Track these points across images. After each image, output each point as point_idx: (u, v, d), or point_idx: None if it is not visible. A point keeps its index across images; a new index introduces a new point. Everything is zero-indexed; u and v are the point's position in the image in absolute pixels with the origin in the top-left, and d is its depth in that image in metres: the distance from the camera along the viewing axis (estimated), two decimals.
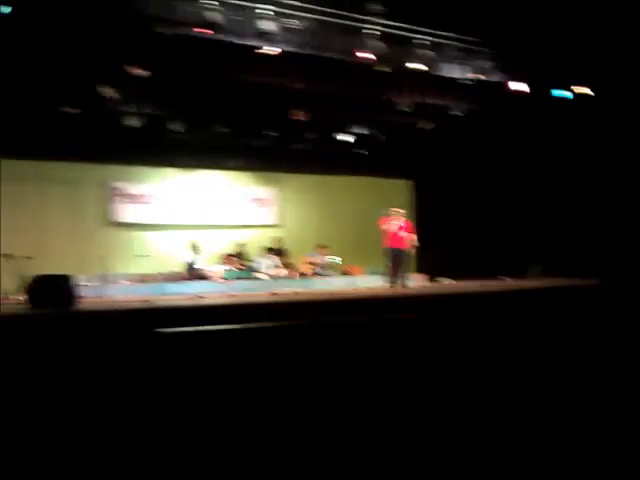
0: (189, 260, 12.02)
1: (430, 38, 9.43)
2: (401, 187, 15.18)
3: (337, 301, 8.05)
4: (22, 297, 7.63)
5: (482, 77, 10.00)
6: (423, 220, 14.18)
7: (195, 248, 12.12)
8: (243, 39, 8.93)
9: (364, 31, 9.18)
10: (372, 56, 9.14)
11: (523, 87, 10.26)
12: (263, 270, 12.30)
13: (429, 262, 13.98)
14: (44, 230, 11.37)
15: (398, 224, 11.15)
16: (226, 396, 3.73)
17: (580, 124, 11.66)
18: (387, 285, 11.00)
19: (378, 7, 9.11)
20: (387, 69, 9.56)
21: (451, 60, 9.80)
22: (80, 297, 7.42)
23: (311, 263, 13.04)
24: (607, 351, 4.77)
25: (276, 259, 12.76)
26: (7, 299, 8.80)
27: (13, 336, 4.47)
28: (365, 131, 12.95)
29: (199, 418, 3.09)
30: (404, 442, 3.23)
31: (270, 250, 12.97)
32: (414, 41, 9.50)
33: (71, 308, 6.78)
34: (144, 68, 9.29)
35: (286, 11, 8.89)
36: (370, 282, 11.81)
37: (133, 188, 12.71)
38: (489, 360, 4.40)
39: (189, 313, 6.49)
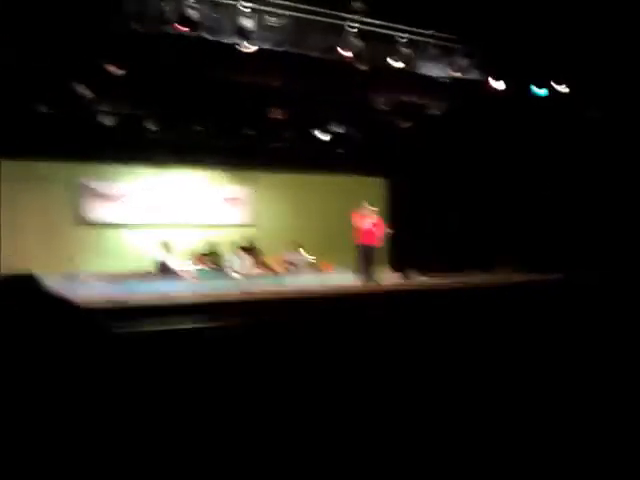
0: (160, 259, 11.96)
1: (409, 36, 9.40)
2: (375, 185, 15.24)
3: (307, 299, 8.06)
4: None
5: (460, 75, 10.01)
6: (397, 218, 14.27)
7: (167, 247, 12.06)
8: (221, 36, 8.85)
9: (343, 29, 9.14)
10: (350, 54, 9.11)
11: (500, 85, 10.29)
12: (235, 269, 12.27)
13: (402, 258, 14.06)
14: (13, 228, 11.25)
15: (370, 221, 11.21)
16: (190, 397, 3.70)
17: (555, 121, 11.82)
18: (358, 281, 11.05)
19: (357, 4, 9.09)
20: (365, 67, 9.54)
21: (429, 58, 9.78)
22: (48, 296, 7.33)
23: (284, 261, 13.05)
24: (571, 347, 4.83)
25: (249, 258, 12.74)
26: None
27: None
28: (342, 129, 12.94)
29: (156, 422, 3.08)
30: (371, 442, 3.24)
31: (243, 249, 12.95)
32: (393, 39, 9.47)
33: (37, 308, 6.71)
34: (119, 65, 9.20)
35: (265, 8, 8.83)
36: (342, 279, 11.83)
37: (106, 186, 12.63)
38: (454, 357, 4.45)
39: (154, 312, 6.46)
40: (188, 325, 6.30)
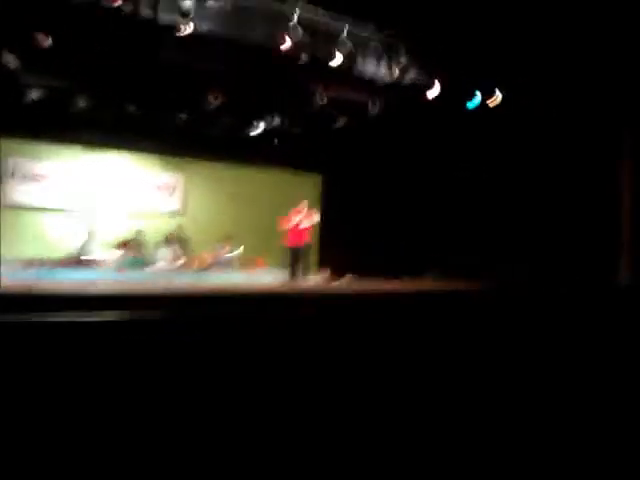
0: (81, 245, 11.41)
1: (350, 29, 9.25)
2: (311, 181, 15.03)
3: (229, 296, 7.74)
4: None
5: (399, 77, 9.92)
6: (330, 216, 14.12)
7: (89, 233, 11.53)
8: (159, 15, 8.46)
9: (285, 19, 8.89)
10: (291, 45, 8.87)
11: (438, 91, 10.28)
12: (160, 260, 11.82)
13: (333, 258, 13.91)
14: None
15: (301, 219, 10.98)
16: (94, 390, 3.41)
17: (489, 128, 11.88)
18: (287, 281, 10.80)
19: None
20: (305, 60, 9.31)
21: (371, 57, 9.67)
22: None
23: (212, 255, 12.67)
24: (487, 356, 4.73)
25: (175, 249, 12.30)
26: None
27: None
28: (279, 122, 12.68)
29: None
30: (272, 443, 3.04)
31: (170, 239, 12.50)
32: (335, 34, 9.31)
33: None
34: (48, 36, 8.63)
35: None
36: (271, 277, 11.55)
37: (27, 166, 11.96)
38: (375, 363, 4.26)
39: (64, 300, 6.04)
40: (102, 316, 5.92)
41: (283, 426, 3.18)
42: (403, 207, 14.48)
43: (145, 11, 8.37)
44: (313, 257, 12.65)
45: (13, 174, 11.81)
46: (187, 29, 8.63)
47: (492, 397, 3.80)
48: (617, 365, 4.57)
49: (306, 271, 10.94)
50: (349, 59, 9.34)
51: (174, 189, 13.61)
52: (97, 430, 2.82)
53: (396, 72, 9.85)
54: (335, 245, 13.90)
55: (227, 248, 12.74)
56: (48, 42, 8.69)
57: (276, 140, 13.18)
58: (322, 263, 13.72)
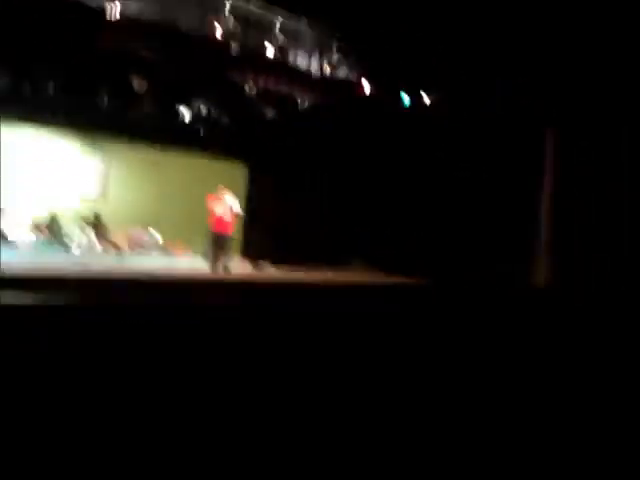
0: None
1: (284, 20, 9.18)
2: (237, 171, 14.86)
3: (145, 282, 7.53)
4: None
5: (331, 73, 9.94)
6: (255, 205, 14.02)
7: (1, 213, 11.02)
8: None
9: (218, 7, 8.74)
10: (223, 34, 8.74)
11: (371, 87, 10.36)
12: (76, 243, 11.43)
13: (256, 246, 13.84)
14: None
15: (224, 207, 10.84)
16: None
17: (418, 127, 12.05)
18: (208, 268, 10.65)
19: None
20: (237, 49, 9.19)
21: (304, 51, 9.63)
22: None
23: (131, 240, 12.35)
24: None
25: (92, 232, 11.91)
26: None
27: None
28: (206, 109, 12.47)
29: None
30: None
31: (87, 222, 12.09)
32: (269, 25, 9.22)
33: None
34: None
35: None
36: (192, 264, 11.37)
37: None
38: (294, 359, 4.24)
39: None
40: (9, 300, 5.69)
41: (199, 418, 3.12)
42: (327, 197, 14.52)
43: None
44: (236, 245, 12.53)
45: None
46: (115, 12, 8.39)
47: (407, 394, 3.84)
48: (525, 364, 4.70)
49: (228, 259, 10.79)
50: (281, 52, 9.27)
51: (95, 171, 13.16)
52: None
53: (327, 68, 9.85)
54: (259, 235, 13.83)
55: (146, 234, 12.44)
56: None
57: (202, 129, 12.96)
58: (245, 251, 13.63)
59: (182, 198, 13.29)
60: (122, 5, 8.39)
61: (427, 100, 10.85)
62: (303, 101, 11.14)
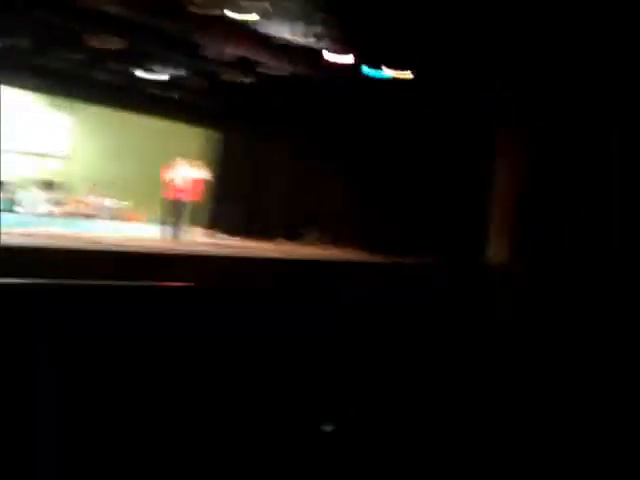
0: None
1: None
2: (203, 137, 14.59)
3: (93, 250, 7.24)
4: None
5: (308, 41, 9.67)
6: (221, 174, 13.81)
7: None
8: None
9: None
10: None
11: (346, 59, 10.14)
12: (26, 204, 11.08)
13: (217, 217, 13.70)
14: None
15: (184, 175, 10.59)
16: None
17: (391, 103, 11.91)
18: (164, 237, 10.42)
19: None
20: (211, 13, 8.84)
21: (275, 18, 9.31)
22: None
23: (86, 204, 12.03)
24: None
25: (44, 194, 11.57)
26: None
27: None
28: (177, 73, 12.14)
29: None
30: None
31: (42, 184, 11.72)
32: None
33: None
34: None
35: None
36: (148, 232, 11.11)
37: None
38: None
39: None
40: None
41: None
42: (293, 169, 14.37)
43: None
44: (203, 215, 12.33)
45: None
46: None
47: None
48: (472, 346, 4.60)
49: (180, 227, 10.56)
50: (260, 18, 8.93)
51: (56, 134, 12.74)
52: None
53: (307, 38, 9.58)
54: (221, 205, 13.66)
55: (103, 198, 12.14)
56: None
57: (171, 93, 12.69)
58: (206, 222, 13.44)
59: (148, 164, 12.98)
60: None
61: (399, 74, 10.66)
62: (274, 70, 10.88)
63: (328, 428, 3.31)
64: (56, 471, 2.63)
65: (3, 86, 11.95)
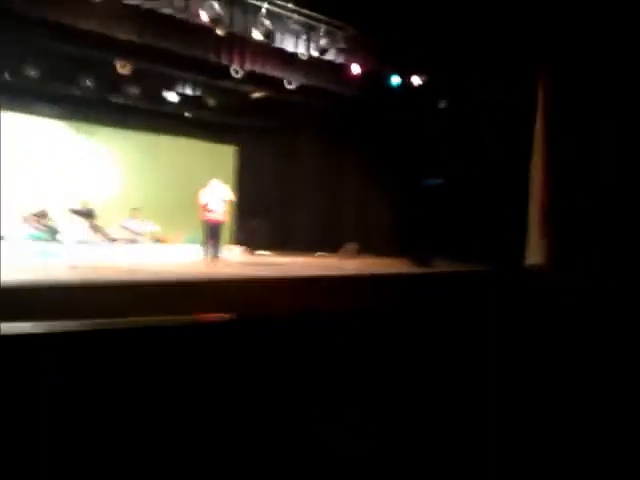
0: None
1: (269, 7, 9.04)
2: (228, 153, 14.75)
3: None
4: None
5: (319, 56, 9.82)
6: (246, 189, 13.94)
7: None
8: None
9: None
10: (208, 18, 8.58)
11: (357, 69, 10.26)
12: (67, 233, 11.26)
13: (249, 233, 13.78)
14: None
15: (214, 194, 10.70)
16: None
17: (406, 110, 11.93)
18: (202, 259, 10.54)
19: None
20: (223, 32, 9.02)
21: (290, 33, 9.49)
22: None
23: (123, 229, 12.20)
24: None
25: (83, 221, 11.75)
26: None
27: None
28: (194, 93, 12.55)
29: None
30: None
31: (76, 211, 11.92)
32: (254, 8, 9.06)
33: None
34: None
35: None
36: (186, 253, 11.23)
37: None
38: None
39: None
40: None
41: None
42: (320, 182, 14.43)
43: None
44: (226, 232, 12.46)
45: None
46: None
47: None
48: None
49: (218, 248, 10.66)
50: (267, 35, 9.10)
51: (82, 158, 13.01)
52: None
53: (314, 51, 9.73)
54: (252, 219, 13.74)
55: (138, 222, 12.30)
56: None
57: (190, 112, 12.88)
58: (238, 238, 13.55)
59: (176, 184, 13.19)
60: None
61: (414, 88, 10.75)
62: (291, 83, 10.99)
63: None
64: None
65: (36, 117, 12.28)
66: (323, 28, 9.60)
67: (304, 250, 13.30)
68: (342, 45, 9.86)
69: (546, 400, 3.85)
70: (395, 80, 10.86)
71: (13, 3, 8.37)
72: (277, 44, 9.50)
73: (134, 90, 12.08)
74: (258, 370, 3.02)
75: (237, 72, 10.18)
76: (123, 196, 13.10)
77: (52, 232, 11.24)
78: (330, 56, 9.95)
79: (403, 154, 12.71)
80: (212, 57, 9.81)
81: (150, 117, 13.19)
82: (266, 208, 14.20)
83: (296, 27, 9.43)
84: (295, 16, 9.36)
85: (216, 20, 8.70)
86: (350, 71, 10.31)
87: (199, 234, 10.82)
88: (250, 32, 9.13)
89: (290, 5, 9.27)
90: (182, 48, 9.54)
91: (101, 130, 13.20)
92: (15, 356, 2.38)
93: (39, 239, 10.82)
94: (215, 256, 10.51)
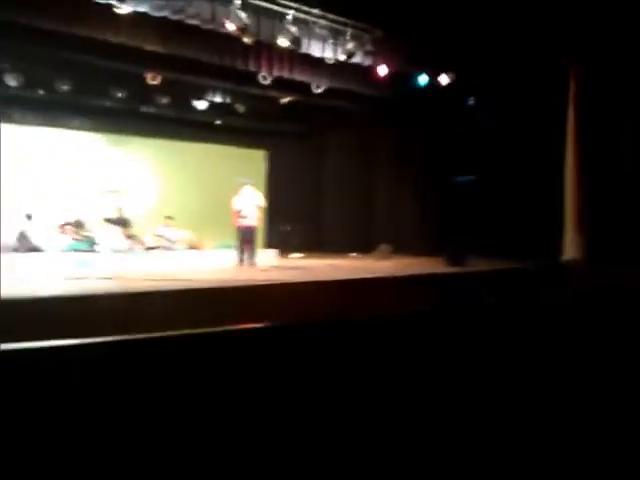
0: (21, 229, 10.93)
1: (296, 14, 9.14)
2: (260, 158, 14.88)
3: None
4: None
5: (346, 57, 9.88)
6: (278, 193, 14.03)
7: (27, 215, 11.06)
8: None
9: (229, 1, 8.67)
10: (235, 27, 8.68)
11: (384, 70, 10.30)
12: (104, 242, 11.45)
13: (282, 237, 13.88)
14: None
15: (247, 200, 10.79)
16: None
17: (435, 109, 11.93)
18: (237, 264, 10.65)
19: None
20: (250, 40, 9.12)
21: (316, 38, 9.57)
22: None
23: (159, 236, 12.35)
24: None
25: (117, 230, 11.93)
26: None
27: None
28: (223, 100, 12.78)
29: None
30: None
31: (111, 220, 12.11)
32: (280, 15, 9.15)
33: None
34: None
35: None
36: (220, 259, 11.33)
37: None
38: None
39: None
40: None
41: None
42: (351, 185, 14.48)
43: None
44: (259, 236, 12.56)
45: None
46: (123, 9, 8.35)
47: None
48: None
49: (253, 253, 10.76)
50: (294, 42, 9.17)
51: (114, 167, 13.23)
52: None
53: (341, 55, 9.78)
54: (283, 222, 13.84)
55: (171, 229, 12.45)
56: None
57: (219, 119, 13.05)
58: (270, 241, 13.65)
59: (207, 189, 13.35)
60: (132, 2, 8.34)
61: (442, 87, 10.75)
62: (319, 87, 11.07)
63: None
64: None
65: (69, 130, 12.55)
66: (350, 32, 9.64)
67: (337, 252, 13.36)
68: (369, 47, 9.89)
69: (587, 394, 3.83)
70: (423, 80, 10.90)
71: (44, 20, 8.57)
72: (304, 49, 9.54)
73: (164, 100, 12.36)
74: (304, 376, 3.05)
75: (265, 78, 10.29)
76: (157, 204, 13.29)
77: (90, 242, 11.42)
78: (357, 59, 9.97)
79: (434, 153, 12.70)
80: (240, 65, 9.94)
81: (181, 125, 13.41)
82: (298, 211, 14.28)
83: (322, 32, 9.47)
84: (321, 21, 9.39)
85: (243, 29, 8.78)
86: (378, 73, 10.34)
87: (233, 240, 10.96)
88: (277, 39, 9.19)
89: (316, 11, 9.28)
90: (210, 57, 9.70)
91: (133, 140, 13.44)
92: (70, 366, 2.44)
93: (78, 249, 10.98)
94: (251, 261, 10.63)
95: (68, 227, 11.59)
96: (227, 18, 8.66)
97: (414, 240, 12.83)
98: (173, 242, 12.30)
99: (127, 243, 11.80)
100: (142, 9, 8.40)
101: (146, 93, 12.17)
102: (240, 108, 13.10)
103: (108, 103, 12.24)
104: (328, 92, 11.13)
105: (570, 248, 10.26)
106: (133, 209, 12.72)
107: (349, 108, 12.67)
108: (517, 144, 11.30)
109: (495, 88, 11.09)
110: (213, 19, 8.71)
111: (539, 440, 3.31)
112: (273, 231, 14.01)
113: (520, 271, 9.31)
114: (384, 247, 12.73)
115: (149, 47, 9.29)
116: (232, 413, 2.80)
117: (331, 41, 9.64)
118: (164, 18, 8.60)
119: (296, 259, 12.73)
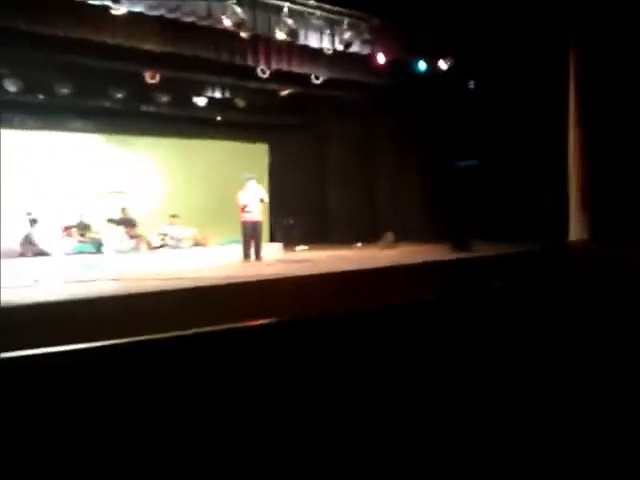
0: (26, 233, 10.95)
1: (291, 6, 9.13)
2: (262, 152, 14.86)
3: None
4: None
5: (344, 47, 9.88)
6: (281, 185, 14.04)
7: (32, 219, 11.07)
8: None
9: None
10: (231, 23, 8.69)
11: (382, 59, 10.28)
12: (109, 243, 11.47)
13: (286, 230, 13.89)
14: None
15: (252, 195, 10.79)
16: None
17: (434, 95, 11.89)
18: (244, 259, 10.67)
19: None
20: (247, 35, 9.12)
21: (313, 29, 9.56)
22: None
23: (164, 235, 12.37)
24: None
25: (122, 230, 11.95)
26: None
27: None
28: (223, 95, 12.79)
29: None
30: None
31: (114, 220, 12.12)
32: (276, 8, 9.14)
33: None
34: None
35: None
36: (227, 254, 11.35)
37: None
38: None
39: None
40: None
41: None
42: (352, 174, 14.45)
43: None
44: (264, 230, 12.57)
45: None
46: (119, 9, 8.36)
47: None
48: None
49: (259, 247, 10.78)
50: (291, 34, 9.17)
51: (116, 167, 13.25)
52: None
53: (339, 45, 9.77)
54: (286, 215, 13.85)
55: (175, 226, 12.46)
56: None
57: (219, 115, 13.04)
58: (273, 235, 13.66)
59: (209, 185, 13.36)
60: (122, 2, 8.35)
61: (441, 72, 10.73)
62: (318, 77, 11.05)
63: None
64: None
65: (70, 132, 12.57)
66: (346, 21, 9.62)
67: (342, 242, 13.36)
68: (366, 36, 9.88)
69: (597, 377, 3.82)
70: (422, 66, 10.87)
71: (41, 25, 8.58)
72: (301, 41, 9.54)
73: (164, 98, 12.37)
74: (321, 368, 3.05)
75: (264, 72, 10.28)
76: (161, 202, 13.30)
77: (96, 244, 11.44)
78: (355, 48, 9.96)
79: (436, 139, 12.66)
80: (238, 60, 9.94)
81: (182, 123, 13.40)
82: (302, 202, 14.29)
83: (319, 23, 9.46)
84: (317, 12, 9.38)
85: (239, 24, 8.77)
86: (376, 61, 10.33)
87: (239, 235, 10.97)
88: (274, 32, 9.18)
89: (312, 2, 9.27)
90: (208, 53, 9.69)
91: (135, 140, 13.43)
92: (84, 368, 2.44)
93: (84, 251, 11.01)
94: (258, 255, 10.65)
95: (72, 230, 11.61)
96: (223, 14, 8.65)
97: (419, 227, 12.83)
98: (179, 240, 12.31)
99: (132, 243, 11.81)
100: (137, 9, 8.41)
101: (145, 92, 12.18)
102: (240, 103, 13.11)
103: (108, 104, 12.27)
104: (327, 82, 11.10)
105: (575, 228, 10.24)
106: (137, 209, 12.74)
107: (349, 97, 12.65)
108: (519, 127, 11.26)
109: (496, 71, 11.03)
110: (209, 16, 8.70)
111: (550, 424, 3.32)
112: (277, 224, 14.02)
113: (526, 254, 9.29)
114: (389, 236, 12.72)
115: (147, 46, 9.29)
116: (243, 413, 2.80)
117: (328, 31, 9.63)
118: (160, 17, 8.60)
119: (301, 252, 12.74)
